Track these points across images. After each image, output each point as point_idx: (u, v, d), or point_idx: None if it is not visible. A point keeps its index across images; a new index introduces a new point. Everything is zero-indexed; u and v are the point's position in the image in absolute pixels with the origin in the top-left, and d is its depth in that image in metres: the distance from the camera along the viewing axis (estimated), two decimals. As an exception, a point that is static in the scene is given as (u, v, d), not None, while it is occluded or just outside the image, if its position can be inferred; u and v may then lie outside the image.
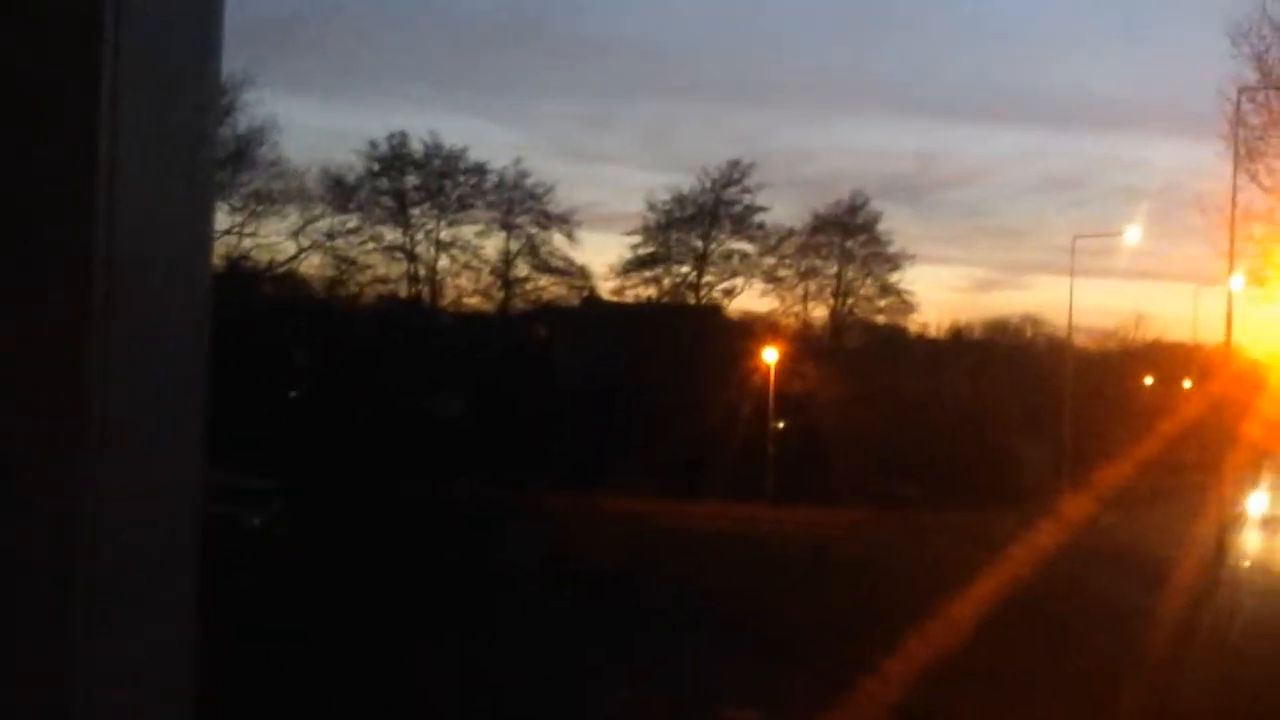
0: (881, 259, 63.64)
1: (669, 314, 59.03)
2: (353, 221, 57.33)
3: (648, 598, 25.61)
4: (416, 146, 58.06)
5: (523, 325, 57.99)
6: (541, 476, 45.56)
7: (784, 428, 51.39)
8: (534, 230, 59.59)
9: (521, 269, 60.51)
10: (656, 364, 49.28)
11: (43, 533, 1.46)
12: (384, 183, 58.30)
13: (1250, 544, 41.54)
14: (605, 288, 61.68)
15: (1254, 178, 34.33)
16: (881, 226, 63.41)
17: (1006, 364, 60.96)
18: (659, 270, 62.60)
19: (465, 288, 60.58)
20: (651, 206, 61.82)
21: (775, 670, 19.64)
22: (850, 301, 64.72)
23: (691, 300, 62.51)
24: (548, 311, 59.24)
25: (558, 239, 59.59)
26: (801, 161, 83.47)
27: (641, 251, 62.07)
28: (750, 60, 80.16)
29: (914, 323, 66.20)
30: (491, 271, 60.16)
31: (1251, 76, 33.32)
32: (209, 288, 1.67)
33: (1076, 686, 18.91)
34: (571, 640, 21.50)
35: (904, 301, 64.42)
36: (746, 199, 62.14)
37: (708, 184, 61.72)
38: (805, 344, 57.50)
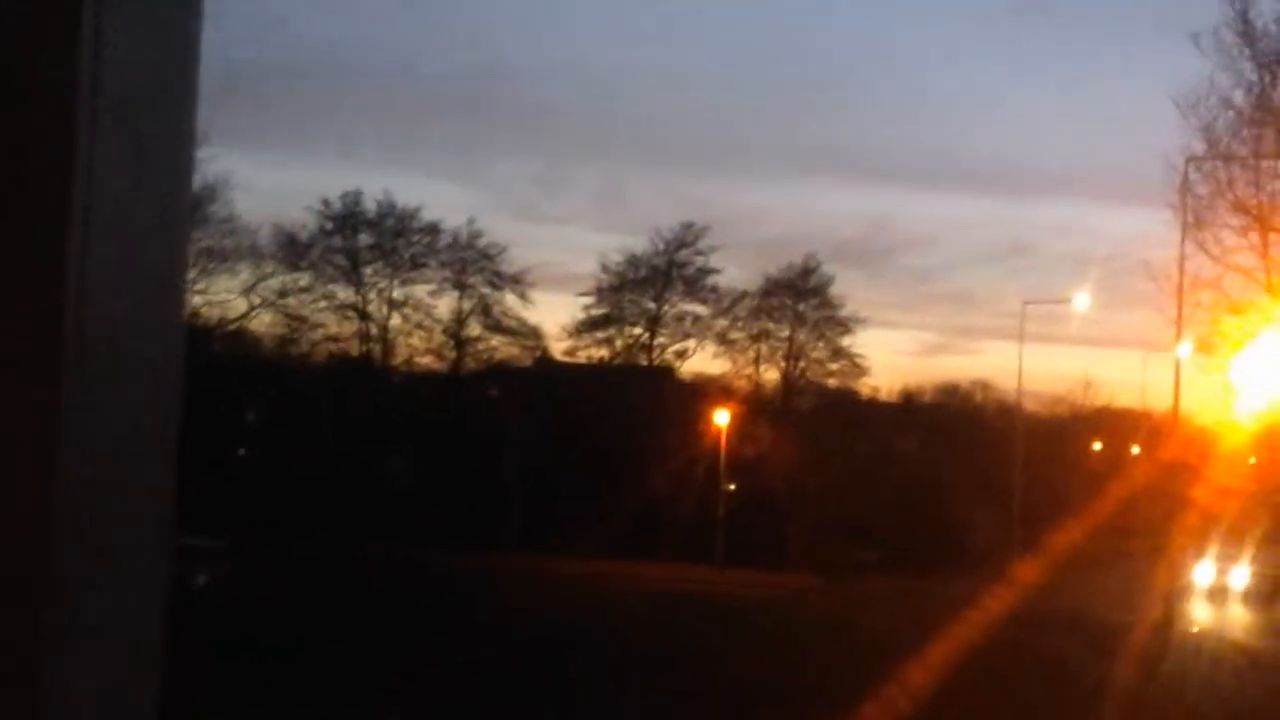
0: (833, 322, 63.93)
1: (621, 375, 59.04)
2: (305, 279, 57.18)
3: (586, 661, 25.39)
4: (370, 205, 58.05)
5: (475, 385, 57.83)
6: (491, 538, 45.31)
7: (735, 490, 51.33)
8: (487, 290, 59.60)
9: (474, 329, 60.46)
10: (608, 425, 49.19)
11: (13, 540, 1.46)
12: (337, 241, 58.18)
13: (1200, 609, 41.69)
14: (558, 348, 61.72)
15: (1202, 246, 34.75)
16: (833, 290, 63.74)
17: (957, 428, 61.22)
18: (611, 331, 62.70)
19: (417, 347, 60.46)
20: (604, 268, 62.00)
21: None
22: (802, 364, 64.91)
23: (644, 361, 62.55)
24: (500, 372, 59.11)
25: (510, 299, 59.60)
26: (754, 224, 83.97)
27: (594, 312, 62.20)
28: (703, 124, 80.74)
29: (865, 386, 66.44)
30: (444, 331, 60.06)
31: (1199, 146, 33.79)
32: (183, 307, 1.68)
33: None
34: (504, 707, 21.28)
35: (856, 365, 64.68)
36: (699, 261, 62.42)
37: (660, 246, 61.98)
38: (757, 406, 57.56)
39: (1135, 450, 60.11)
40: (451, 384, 58.13)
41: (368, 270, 58.60)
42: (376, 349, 59.34)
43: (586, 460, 47.80)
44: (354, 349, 59.05)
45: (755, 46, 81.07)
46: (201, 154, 48.71)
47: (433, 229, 58.75)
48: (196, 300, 52.99)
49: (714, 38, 79.05)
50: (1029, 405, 62.19)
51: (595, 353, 62.35)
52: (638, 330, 62.94)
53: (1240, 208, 34.02)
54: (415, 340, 60.08)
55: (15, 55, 1.46)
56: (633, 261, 61.88)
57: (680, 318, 63.12)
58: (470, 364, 60.76)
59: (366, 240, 58.60)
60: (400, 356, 60.24)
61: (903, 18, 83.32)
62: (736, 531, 48.76)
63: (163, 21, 1.61)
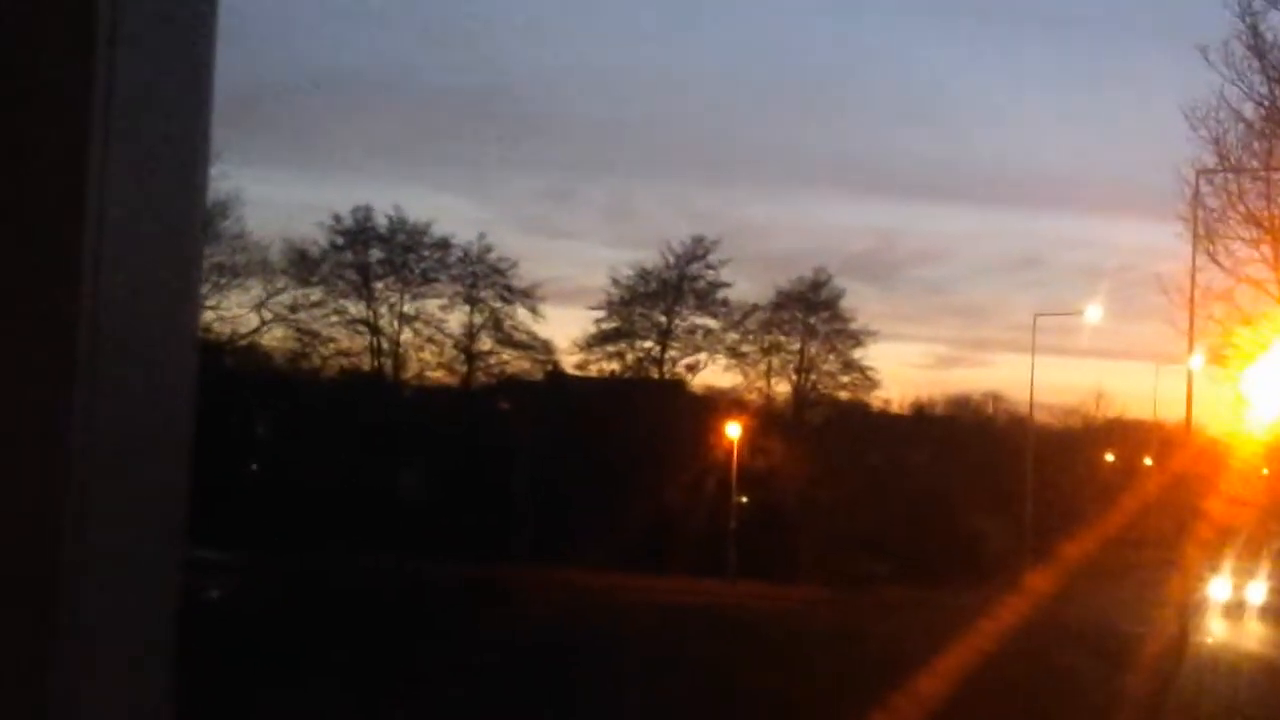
0: (844, 335, 63.86)
1: (632, 388, 58.98)
2: (316, 295, 57.29)
3: (600, 672, 25.36)
4: (380, 220, 58.15)
5: (486, 399, 57.85)
6: (502, 550, 45.31)
7: (746, 503, 51.27)
8: (498, 304, 59.66)
9: (485, 343, 60.50)
10: (620, 438, 49.18)
11: (26, 550, 1.47)
12: (348, 256, 58.27)
13: (1213, 622, 41.58)
14: (569, 362, 61.72)
15: (1213, 258, 34.68)
16: (844, 303, 63.69)
17: (969, 440, 61.14)
18: (622, 345, 62.68)
19: (428, 361, 60.51)
20: (615, 281, 62.02)
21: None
22: (813, 377, 64.83)
23: (655, 375, 62.51)
24: (511, 385, 59.11)
25: (521, 313, 59.67)
26: (765, 238, 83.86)
27: (605, 326, 62.21)
28: (713, 138, 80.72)
29: (877, 399, 66.35)
30: (455, 345, 60.10)
31: (1210, 159, 33.75)
32: (196, 319, 1.71)
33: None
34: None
35: (867, 378, 64.59)
36: (710, 275, 62.43)
37: (671, 260, 62.00)
38: (768, 419, 57.49)
39: (1147, 462, 60.06)
40: (463, 398, 58.15)
41: (379, 285, 58.73)
42: (388, 363, 59.41)
43: (598, 473, 47.78)
44: (365, 363, 59.14)
45: (764, 60, 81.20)
46: (213, 171, 48.36)
47: (443, 244, 58.90)
48: (208, 316, 53.10)
49: (723, 51, 79.24)
50: (1041, 417, 62.18)
51: (606, 366, 62.42)
52: (649, 344, 62.98)
53: (1251, 220, 33.97)
54: (426, 354, 60.22)
55: (30, 72, 1.49)
56: (643, 275, 62.00)
57: (691, 331, 63.17)
58: (481, 378, 60.81)
59: (377, 255, 58.73)
60: (411, 371, 60.35)
61: (912, 30, 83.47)
62: (748, 544, 48.68)
63: (177, 38, 1.63)
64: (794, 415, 62.77)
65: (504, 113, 75.81)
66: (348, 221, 57.66)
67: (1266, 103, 32.87)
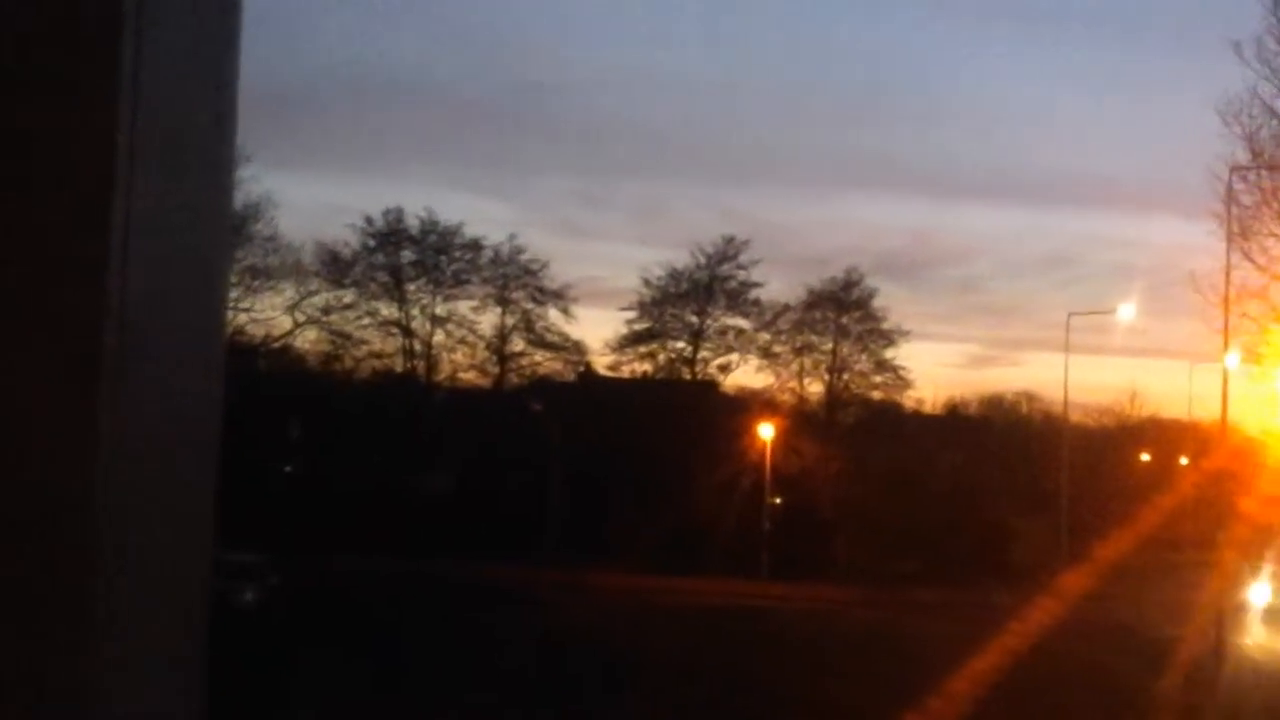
0: (876, 335, 63.71)
1: (664, 389, 58.97)
2: (348, 297, 57.57)
3: (647, 679, 25.33)
4: (412, 222, 58.39)
5: (518, 400, 57.91)
6: (536, 552, 45.34)
7: (780, 503, 51.19)
8: (529, 305, 59.82)
9: (517, 344, 60.67)
10: (652, 439, 49.15)
11: (58, 544, 1.46)
12: (380, 258, 58.50)
13: (1253, 623, 41.26)
14: (601, 363, 61.82)
15: (1248, 255, 34.41)
16: (876, 303, 63.56)
17: (1003, 440, 60.90)
18: (654, 345, 62.73)
19: (461, 363, 60.70)
20: (647, 282, 62.06)
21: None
22: (845, 377, 64.69)
23: (687, 375, 62.49)
24: (543, 386, 59.18)
25: (553, 314, 59.82)
26: (796, 238, 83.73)
27: (637, 327, 62.26)
28: (744, 138, 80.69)
29: (909, 399, 66.21)
30: (487, 346, 60.27)
31: (1243, 155, 33.49)
32: (223, 319, 1.70)
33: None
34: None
35: (899, 377, 64.43)
36: (741, 275, 62.40)
37: (702, 260, 61.99)
38: (801, 420, 57.40)
39: (1183, 461, 59.66)
40: (495, 399, 58.24)
41: (411, 287, 58.93)
42: (420, 365, 59.56)
43: (630, 475, 47.78)
44: (398, 365, 59.32)
45: (796, 60, 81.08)
46: (245, 174, 49.02)
47: (475, 245, 59.06)
48: (241, 318, 53.38)
49: (755, 51, 79.19)
50: (1075, 416, 61.84)
51: (638, 367, 62.47)
52: (680, 344, 63.00)
53: (1286, 217, 33.70)
54: (458, 356, 60.42)
55: (57, 78, 1.48)
56: (674, 276, 62.01)
57: (723, 331, 63.14)
58: (513, 379, 60.92)
59: (409, 257, 58.96)
60: (444, 372, 60.53)
61: (944, 31, 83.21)
62: (780, 545, 48.62)
63: (203, 41, 1.62)
64: (826, 415, 62.65)
65: (536, 114, 75.94)
66: (380, 223, 58.00)
67: (1300, 98, 32.61)
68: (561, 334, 60.12)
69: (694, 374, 62.65)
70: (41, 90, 1.47)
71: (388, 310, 58.65)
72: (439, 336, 59.56)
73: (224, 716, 1.81)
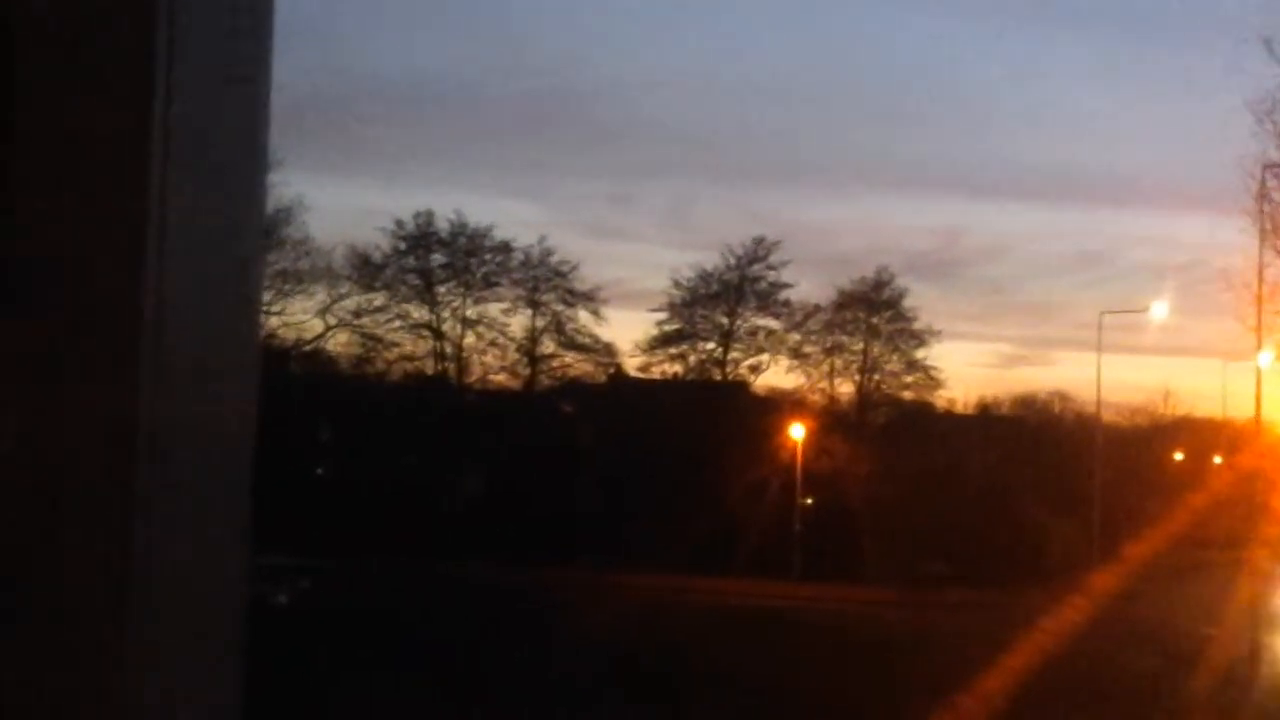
0: (907, 335, 63.57)
1: (695, 390, 58.97)
2: (379, 300, 57.79)
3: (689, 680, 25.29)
4: (442, 225, 58.51)
5: (549, 402, 58.00)
6: (566, 553, 45.39)
7: (811, 504, 51.14)
8: (559, 307, 59.90)
9: (547, 346, 60.75)
10: (683, 440, 49.18)
11: (94, 556, 1.48)
12: (410, 261, 58.67)
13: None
14: (631, 364, 61.84)
15: (1280, 253, 34.26)
16: (907, 303, 63.38)
17: (1035, 439, 60.66)
18: (684, 347, 62.73)
19: (491, 365, 60.80)
20: (676, 283, 62.05)
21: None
22: (876, 378, 64.56)
23: (717, 376, 62.47)
24: (574, 388, 59.27)
25: (583, 316, 59.88)
26: (826, 238, 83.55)
27: (667, 328, 62.24)
28: (773, 138, 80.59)
29: (941, 399, 66.02)
30: (517, 349, 60.35)
31: (1276, 153, 33.32)
32: (257, 324, 1.72)
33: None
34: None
35: (930, 377, 64.27)
36: (771, 275, 62.34)
37: (732, 261, 61.96)
38: (832, 420, 57.32)
39: (1217, 460, 59.36)
40: (526, 401, 58.33)
41: (441, 289, 59.08)
42: (451, 367, 59.70)
43: (661, 475, 47.81)
44: (429, 367, 59.48)
45: (824, 60, 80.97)
46: (276, 178, 49.35)
47: (505, 247, 59.14)
48: (273, 322, 53.64)
49: (782, 52, 79.08)
50: (1108, 416, 61.60)
51: (669, 368, 62.47)
52: (711, 345, 62.98)
53: (1319, 214, 33.55)
54: (489, 358, 60.52)
55: (90, 86, 1.50)
56: (704, 277, 62.00)
57: (753, 332, 63.10)
58: (544, 381, 61.01)
59: (439, 260, 59.11)
60: (475, 374, 60.65)
61: (972, 29, 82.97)
62: (811, 545, 48.58)
63: (235, 45, 1.64)
64: (857, 416, 62.54)
65: (565, 117, 76.03)
66: (410, 227, 58.15)
67: (1333, 95, 32.41)
68: (592, 336, 60.27)
69: (724, 375, 62.63)
70: (75, 92, 1.50)
71: (418, 313, 58.89)
72: (469, 339, 59.78)
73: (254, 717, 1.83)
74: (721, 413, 52.85)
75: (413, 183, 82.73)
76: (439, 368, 59.48)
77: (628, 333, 78.61)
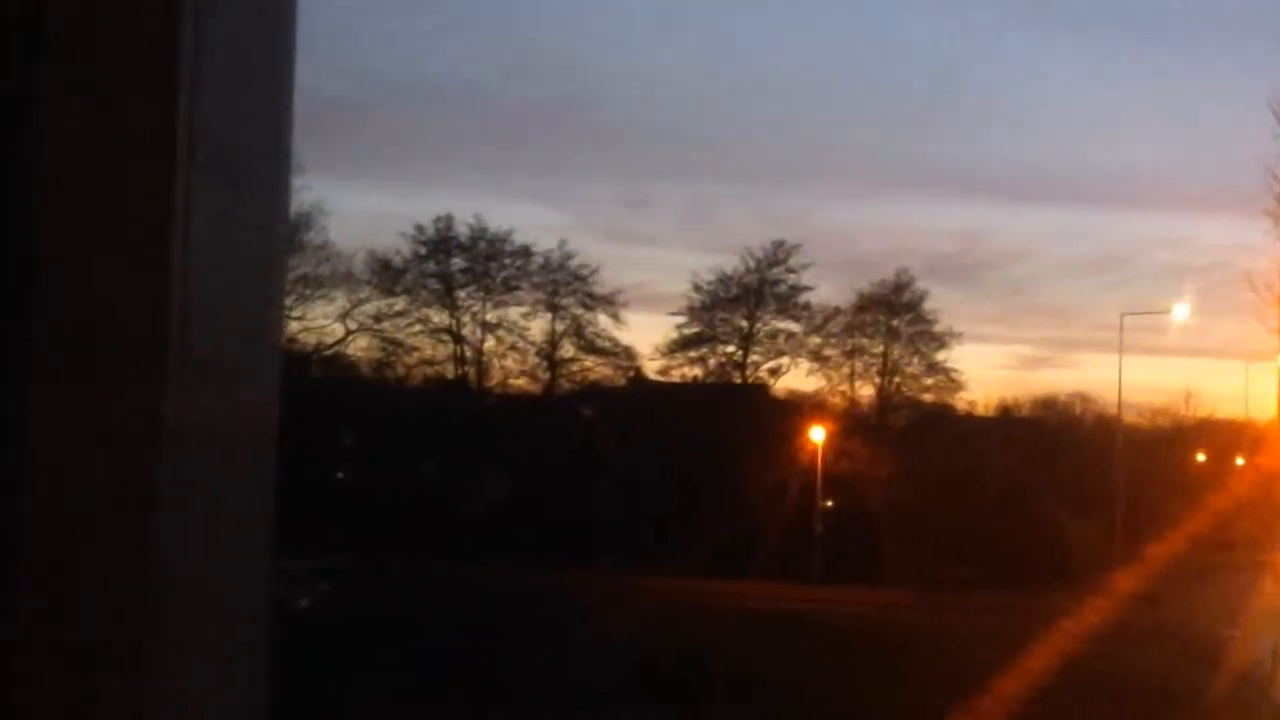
0: (928, 337, 63.40)
1: (715, 393, 58.92)
2: (399, 304, 57.85)
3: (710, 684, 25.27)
4: (462, 229, 58.53)
5: (569, 406, 58.01)
6: (586, 557, 45.40)
7: (831, 507, 51.08)
8: (579, 311, 59.89)
9: (567, 350, 60.76)
10: (703, 443, 49.16)
11: (115, 556, 1.49)
12: (430, 266, 58.74)
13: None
14: (651, 368, 61.77)
15: (1302, 254, 34.15)
16: (927, 305, 63.18)
17: (1056, 441, 60.50)
18: (704, 350, 62.64)
19: (511, 369, 60.83)
20: (696, 287, 61.96)
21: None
22: (897, 380, 64.39)
23: (737, 380, 62.39)
24: (594, 392, 59.26)
25: (603, 320, 59.87)
26: (845, 241, 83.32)
27: (687, 331, 62.17)
28: (793, 141, 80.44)
29: (961, 401, 65.80)
30: (537, 353, 60.36)
31: (1297, 154, 33.22)
32: (281, 328, 1.74)
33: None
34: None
35: (951, 380, 64.07)
36: (791, 278, 62.22)
37: (752, 264, 61.86)
38: (852, 423, 57.23)
39: (1239, 461, 59.15)
40: (546, 405, 58.36)
41: (461, 294, 59.12)
42: (471, 371, 59.76)
43: (682, 479, 47.79)
44: (449, 372, 59.52)
45: (845, 63, 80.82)
46: (296, 183, 49.07)
47: (524, 252, 59.18)
48: (294, 326, 53.68)
49: (802, 54, 78.97)
50: (1129, 417, 61.42)
51: (689, 371, 62.40)
52: (730, 348, 62.88)
53: (1341, 215, 33.43)
54: (509, 362, 60.55)
55: (117, 87, 1.52)
56: (724, 280, 61.90)
57: (773, 335, 62.98)
58: (564, 385, 61.01)
59: (459, 264, 59.14)
60: (495, 379, 60.67)
61: (992, 31, 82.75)
62: (831, 548, 48.53)
63: (258, 49, 1.66)
64: (878, 418, 62.40)
65: (584, 121, 76.06)
66: (430, 231, 58.22)
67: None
68: (611, 339, 60.26)
69: (744, 378, 62.55)
70: (102, 93, 1.52)
71: (438, 317, 58.93)
72: (490, 343, 59.81)
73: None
74: (741, 416, 52.80)
75: (432, 187, 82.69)
76: (459, 372, 59.54)
77: (647, 336, 78.54)
